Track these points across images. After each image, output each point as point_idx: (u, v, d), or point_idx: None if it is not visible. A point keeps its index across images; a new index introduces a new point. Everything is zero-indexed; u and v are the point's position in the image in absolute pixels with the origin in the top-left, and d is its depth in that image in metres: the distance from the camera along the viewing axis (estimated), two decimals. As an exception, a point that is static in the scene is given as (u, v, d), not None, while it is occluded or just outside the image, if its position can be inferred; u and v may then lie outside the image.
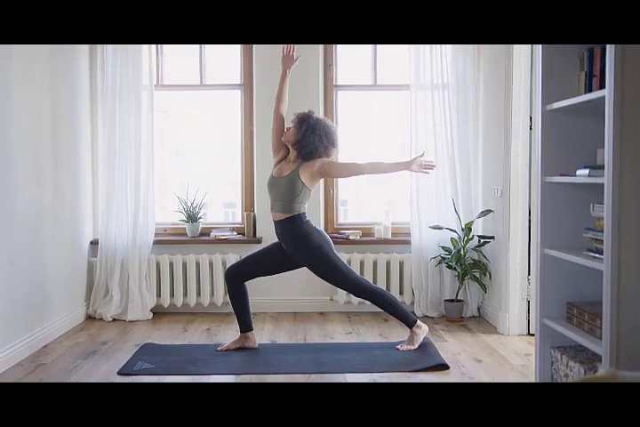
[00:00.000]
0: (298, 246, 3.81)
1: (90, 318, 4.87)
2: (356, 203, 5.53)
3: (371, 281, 4.20)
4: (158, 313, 4.94)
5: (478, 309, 4.93)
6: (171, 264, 4.97)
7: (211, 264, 4.98)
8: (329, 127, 3.83)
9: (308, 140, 3.75)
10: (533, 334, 3.18)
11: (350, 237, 4.97)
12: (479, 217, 4.74)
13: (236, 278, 3.91)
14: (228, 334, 4.34)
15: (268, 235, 4.53)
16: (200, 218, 5.08)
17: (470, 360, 3.78)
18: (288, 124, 3.92)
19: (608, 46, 2.35)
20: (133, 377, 3.48)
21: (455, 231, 4.76)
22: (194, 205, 5.04)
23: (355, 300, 4.92)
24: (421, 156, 3.90)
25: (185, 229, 5.09)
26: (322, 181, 4.98)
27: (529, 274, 4.30)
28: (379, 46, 5.12)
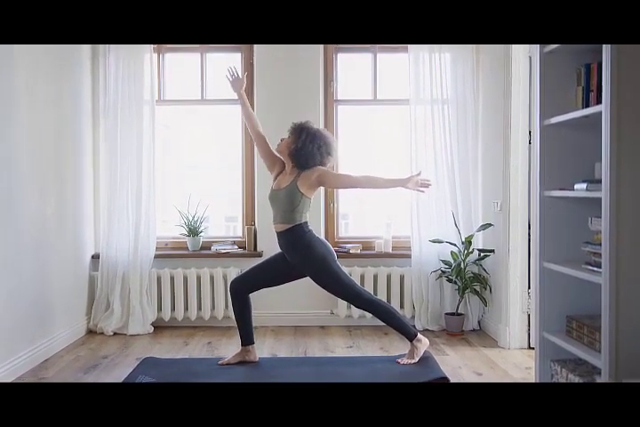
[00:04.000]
0: (301, 257, 3.82)
1: (91, 332, 4.87)
2: (357, 217, 5.54)
3: (371, 294, 4.21)
4: (159, 327, 4.95)
5: (479, 322, 4.94)
6: (172, 278, 4.98)
7: (212, 278, 4.99)
8: (326, 137, 3.83)
9: (306, 149, 3.75)
10: (534, 348, 3.18)
11: (351, 251, 4.98)
12: (479, 231, 4.76)
13: (241, 290, 3.91)
14: (229, 348, 4.35)
15: (269, 249, 4.54)
16: (201, 232, 5.10)
17: (471, 374, 3.78)
18: (275, 134, 3.96)
19: (604, 61, 2.38)
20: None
21: (455, 245, 4.78)
22: (195, 219, 5.06)
23: (355, 313, 4.92)
24: (418, 174, 3.92)
25: (186, 243, 5.11)
26: (322, 194, 5.03)
27: (529, 287, 4.30)
28: (379, 61, 5.17)
